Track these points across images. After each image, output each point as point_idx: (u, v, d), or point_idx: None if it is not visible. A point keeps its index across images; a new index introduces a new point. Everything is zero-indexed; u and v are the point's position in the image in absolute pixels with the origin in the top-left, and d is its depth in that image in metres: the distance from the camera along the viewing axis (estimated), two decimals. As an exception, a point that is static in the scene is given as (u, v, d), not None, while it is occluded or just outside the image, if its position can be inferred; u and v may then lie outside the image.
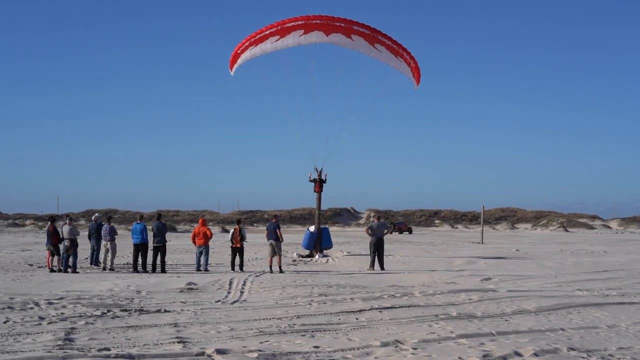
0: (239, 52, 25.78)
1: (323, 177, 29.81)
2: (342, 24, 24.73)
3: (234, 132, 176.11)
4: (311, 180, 29.86)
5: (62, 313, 12.63)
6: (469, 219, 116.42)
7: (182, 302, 14.61)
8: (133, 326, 11.38)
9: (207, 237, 22.76)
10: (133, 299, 15.03)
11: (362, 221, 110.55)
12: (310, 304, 14.21)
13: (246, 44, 25.43)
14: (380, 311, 13.29)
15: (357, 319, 12.36)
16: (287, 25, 24.71)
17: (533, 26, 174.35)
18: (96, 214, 25.14)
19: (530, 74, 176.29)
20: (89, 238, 24.00)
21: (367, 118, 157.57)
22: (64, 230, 21.77)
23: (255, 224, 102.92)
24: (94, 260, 23.69)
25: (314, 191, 29.97)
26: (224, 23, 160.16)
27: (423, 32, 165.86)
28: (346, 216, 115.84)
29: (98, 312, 12.76)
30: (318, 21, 24.63)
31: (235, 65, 26.18)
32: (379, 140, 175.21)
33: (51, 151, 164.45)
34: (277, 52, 25.34)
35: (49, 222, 22.11)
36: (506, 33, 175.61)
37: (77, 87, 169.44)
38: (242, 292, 16.47)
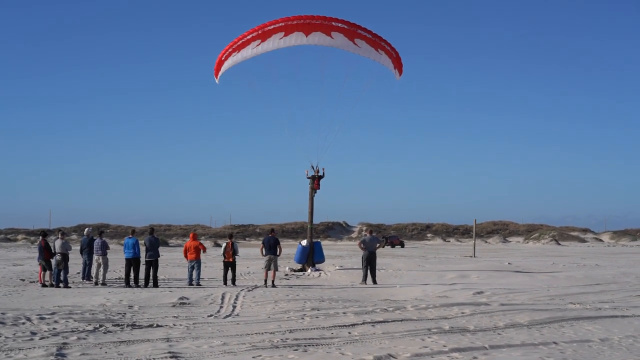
0: (222, 59, 25.90)
1: (321, 173, 29.78)
2: (321, 22, 24.86)
3: (225, 145, 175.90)
4: (309, 177, 29.87)
5: (54, 328, 12.59)
6: (461, 232, 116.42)
7: (175, 316, 14.59)
8: (125, 341, 11.35)
9: (198, 252, 22.72)
10: (125, 313, 15.00)
11: (354, 235, 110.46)
12: (302, 318, 14.20)
13: (229, 50, 25.52)
14: (372, 325, 13.29)
15: (349, 333, 12.36)
16: (268, 28, 24.81)
17: (519, 33, 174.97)
18: (88, 228, 25.05)
19: (519, 84, 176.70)
20: (81, 253, 23.91)
21: (359, 131, 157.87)
22: (56, 244, 21.70)
23: (247, 238, 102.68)
24: (86, 275, 23.60)
25: (313, 188, 29.89)
26: (214, 31, 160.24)
27: (417, 42, 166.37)
28: (338, 230, 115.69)
29: (90, 327, 12.73)
30: (297, 21, 24.78)
31: (220, 73, 26.30)
32: (371, 155, 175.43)
33: (43, 165, 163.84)
34: (259, 57, 25.50)
35: (41, 237, 22.04)
36: (494, 41, 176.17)
37: (68, 102, 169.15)
38: (234, 307, 16.44)
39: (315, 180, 29.73)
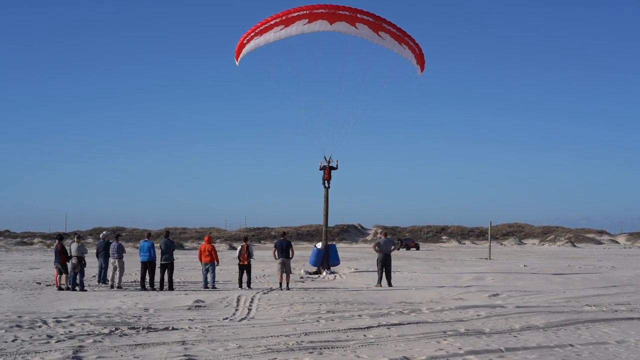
0: (244, 42, 26.04)
1: (334, 164, 29.81)
2: (347, 12, 24.96)
3: (241, 148, 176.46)
4: (321, 168, 29.90)
5: (70, 331, 12.65)
6: (476, 234, 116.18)
7: (190, 319, 14.61)
8: (141, 344, 11.39)
9: (212, 255, 22.78)
10: (141, 316, 15.05)
11: (369, 237, 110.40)
12: (317, 321, 14.20)
13: (251, 34, 25.69)
14: (388, 328, 13.27)
15: (364, 335, 12.35)
16: (292, 15, 24.99)
17: (547, 40, 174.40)
18: (104, 232, 25.19)
19: (537, 88, 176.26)
20: (97, 256, 24.02)
21: (374, 133, 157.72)
22: (72, 248, 21.83)
23: (262, 241, 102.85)
24: (102, 278, 23.71)
25: (324, 179, 29.94)
26: (227, 31, 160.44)
27: (434, 44, 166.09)
28: (353, 232, 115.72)
29: (106, 330, 12.78)
30: (322, 10, 24.87)
31: (241, 55, 26.44)
32: (386, 157, 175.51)
33: (58, 169, 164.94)
34: (282, 42, 25.66)
35: (57, 241, 22.17)
36: (519, 46, 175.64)
37: (84, 105, 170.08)
38: (249, 310, 16.46)
39: (326, 170, 29.78)
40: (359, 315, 15.01)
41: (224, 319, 14.81)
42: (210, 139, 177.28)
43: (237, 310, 16.46)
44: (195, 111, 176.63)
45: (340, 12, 24.91)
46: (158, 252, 22.19)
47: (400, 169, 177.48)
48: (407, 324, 13.77)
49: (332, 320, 14.39)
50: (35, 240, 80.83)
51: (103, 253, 23.70)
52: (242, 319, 14.77)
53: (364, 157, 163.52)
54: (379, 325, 13.52)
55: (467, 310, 15.93)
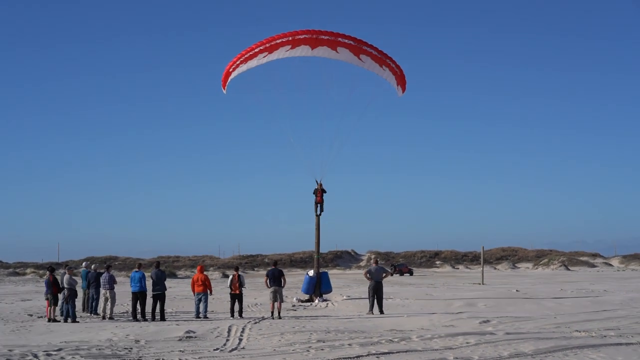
0: (230, 70, 26.52)
1: (324, 188, 30.15)
2: (328, 37, 25.48)
3: (234, 175, 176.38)
4: (314, 193, 30.12)
5: (60, 365, 12.67)
6: (470, 259, 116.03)
7: (181, 350, 14.65)
8: (131, 377, 11.43)
9: (206, 285, 22.83)
10: (132, 348, 15.08)
11: (362, 263, 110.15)
12: (308, 351, 14.26)
13: (237, 62, 26.33)
14: (377, 357, 13.35)
15: (354, 365, 12.41)
16: (276, 41, 25.65)
17: (527, 70, 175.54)
18: (95, 264, 25.24)
19: (529, 119, 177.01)
20: (88, 287, 23.97)
21: (366, 158, 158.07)
22: (64, 279, 21.87)
23: (255, 268, 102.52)
24: (93, 309, 23.68)
25: (316, 204, 30.16)
26: (220, 59, 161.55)
27: (421, 69, 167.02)
28: (347, 259, 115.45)
29: (96, 363, 12.80)
30: (305, 35, 25.50)
31: (227, 82, 26.91)
32: (378, 182, 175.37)
33: (51, 199, 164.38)
34: (267, 67, 26.49)
35: (48, 272, 22.20)
36: (510, 80, 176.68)
37: (75, 137, 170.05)
38: (240, 340, 16.49)
39: (318, 192, 30.07)
40: (349, 344, 15.07)
41: (214, 349, 14.85)
42: (203, 168, 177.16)
43: (228, 340, 16.49)
44: (187, 141, 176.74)
45: (323, 37, 25.42)
46: (149, 283, 22.22)
47: (393, 194, 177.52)
48: (396, 352, 13.85)
49: (322, 349, 14.44)
50: (28, 270, 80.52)
51: (94, 284, 23.70)
52: (233, 350, 14.81)
53: (357, 183, 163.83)
54: (368, 354, 13.59)
55: (456, 337, 16.01)
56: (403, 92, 27.40)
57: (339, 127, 27.99)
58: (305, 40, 25.44)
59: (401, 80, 27.08)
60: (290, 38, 25.39)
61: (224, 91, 27.29)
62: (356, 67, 26.27)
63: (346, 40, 25.62)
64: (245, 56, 25.90)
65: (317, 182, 30.15)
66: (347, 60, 25.95)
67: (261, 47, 25.63)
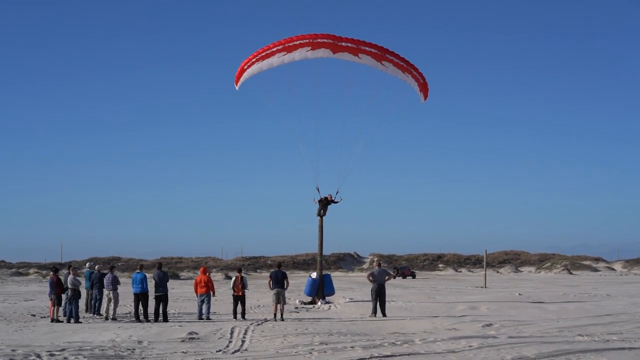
0: (245, 67, 26.14)
1: (336, 199, 29.85)
2: (350, 44, 25.05)
3: (236, 177, 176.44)
4: (320, 201, 29.88)
5: (63, 365, 12.70)
6: (473, 262, 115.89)
7: (183, 352, 14.67)
8: (134, 378, 11.45)
9: (208, 286, 22.84)
10: (134, 349, 15.10)
11: (365, 266, 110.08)
12: (310, 353, 14.27)
13: (253, 60, 25.79)
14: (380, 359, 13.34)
15: (356, 367, 12.42)
16: (295, 42, 25.08)
17: (546, 72, 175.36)
18: (98, 265, 25.27)
19: (532, 123, 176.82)
20: (92, 287, 24.01)
21: (370, 161, 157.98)
22: (68, 280, 21.91)
23: (258, 270, 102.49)
24: (96, 310, 23.72)
25: (319, 209, 29.92)
26: (229, 63, 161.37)
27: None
28: (349, 261, 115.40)
29: (99, 364, 12.82)
30: (325, 40, 24.99)
31: (241, 80, 26.52)
32: (382, 185, 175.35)
33: (54, 198, 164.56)
34: (283, 69, 25.84)
35: (52, 273, 22.25)
36: (519, 84, 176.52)
37: (79, 137, 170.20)
38: (243, 342, 16.50)
39: (323, 199, 29.76)
40: (352, 347, 15.07)
41: (217, 351, 14.87)
42: (207, 169, 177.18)
43: (230, 342, 16.50)
44: (191, 142, 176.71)
45: (343, 43, 25.03)
46: (152, 284, 22.24)
47: (396, 196, 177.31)
48: (399, 355, 13.86)
49: (325, 352, 14.45)
50: (31, 270, 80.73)
51: (98, 285, 23.74)
52: (235, 351, 14.82)
53: (361, 185, 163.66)
54: (371, 357, 13.60)
55: (459, 340, 16.00)
56: (425, 99, 27.27)
57: (359, 133, 27.75)
58: (326, 44, 25.05)
59: (424, 88, 26.81)
60: (309, 40, 25.02)
61: (237, 87, 27.04)
62: (378, 72, 25.92)
63: (368, 48, 25.23)
64: (262, 54, 25.52)
65: (318, 190, 29.78)
66: (369, 65, 25.65)
67: (279, 47, 25.15)
